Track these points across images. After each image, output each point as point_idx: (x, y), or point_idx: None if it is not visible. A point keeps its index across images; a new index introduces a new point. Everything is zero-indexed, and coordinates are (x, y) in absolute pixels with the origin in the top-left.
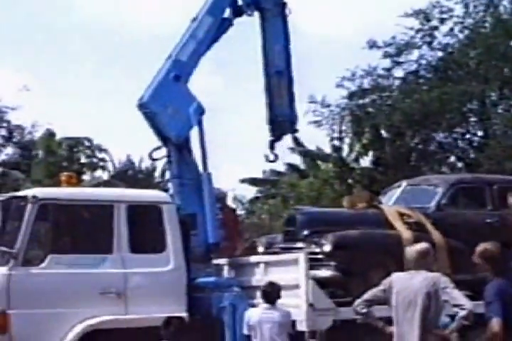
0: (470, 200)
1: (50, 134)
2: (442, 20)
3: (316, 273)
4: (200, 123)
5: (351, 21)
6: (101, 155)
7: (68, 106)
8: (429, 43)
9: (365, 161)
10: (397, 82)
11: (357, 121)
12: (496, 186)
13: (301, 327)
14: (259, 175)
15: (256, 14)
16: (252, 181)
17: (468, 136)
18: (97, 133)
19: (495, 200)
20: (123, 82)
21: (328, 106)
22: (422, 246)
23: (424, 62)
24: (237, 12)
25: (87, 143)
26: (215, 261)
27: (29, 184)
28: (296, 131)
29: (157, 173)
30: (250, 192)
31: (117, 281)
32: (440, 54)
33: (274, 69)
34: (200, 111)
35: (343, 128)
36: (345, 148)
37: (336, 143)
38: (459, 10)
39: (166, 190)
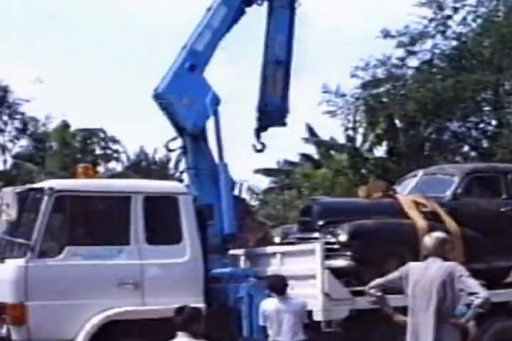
0: (485, 189)
1: (64, 126)
2: (455, 9)
3: (331, 263)
4: (215, 114)
5: (364, 11)
6: (115, 147)
7: (81, 97)
8: (443, 32)
9: (379, 151)
10: (411, 72)
11: (371, 111)
12: (511, 175)
13: (318, 317)
14: (273, 166)
15: (265, 4)
16: (266, 172)
17: (482, 125)
18: (110, 124)
19: (510, 189)
20: (137, 72)
21: (343, 96)
22: (439, 234)
23: (437, 51)
24: (248, 1)
25: (101, 135)
26: (232, 252)
27: (43, 176)
28: (284, 124)
29: (171, 164)
30: (264, 182)
31: (134, 272)
32: (454, 43)
33: (273, 58)
34: (216, 101)
35: (357, 118)
36: (359, 138)
37: (350, 133)
38: None
39: (180, 181)
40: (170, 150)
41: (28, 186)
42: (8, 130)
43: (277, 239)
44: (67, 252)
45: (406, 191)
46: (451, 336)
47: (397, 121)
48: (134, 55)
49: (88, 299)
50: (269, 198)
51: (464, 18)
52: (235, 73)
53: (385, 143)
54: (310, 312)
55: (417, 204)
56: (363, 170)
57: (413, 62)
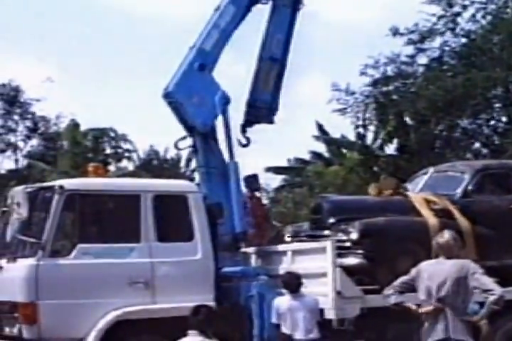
0: (496, 186)
1: (74, 125)
2: (465, 7)
3: (343, 261)
4: (225, 112)
5: (373, 8)
6: (126, 146)
7: (92, 96)
8: (452, 30)
9: (390, 149)
10: (420, 69)
11: (381, 109)
12: None
13: (329, 315)
14: (284, 164)
15: (270, 2)
16: (277, 170)
17: (492, 122)
18: (121, 123)
19: None
20: (147, 71)
21: (353, 93)
22: (451, 233)
23: (447, 48)
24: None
25: (111, 134)
26: (243, 250)
27: (55, 175)
28: (272, 122)
29: (182, 163)
30: (275, 180)
31: (145, 271)
32: (463, 40)
33: (268, 54)
34: (226, 100)
35: (367, 115)
36: (370, 136)
37: (361, 130)
38: None
39: (191, 180)
40: (179, 149)
41: (39, 185)
42: (20, 129)
43: (288, 237)
44: (77, 251)
45: (417, 189)
46: (464, 333)
47: (407, 119)
48: (145, 53)
49: (99, 298)
50: (280, 196)
51: (473, 15)
52: (247, 72)
53: (395, 140)
54: (322, 310)
55: (428, 201)
56: (375, 168)
57: (423, 59)
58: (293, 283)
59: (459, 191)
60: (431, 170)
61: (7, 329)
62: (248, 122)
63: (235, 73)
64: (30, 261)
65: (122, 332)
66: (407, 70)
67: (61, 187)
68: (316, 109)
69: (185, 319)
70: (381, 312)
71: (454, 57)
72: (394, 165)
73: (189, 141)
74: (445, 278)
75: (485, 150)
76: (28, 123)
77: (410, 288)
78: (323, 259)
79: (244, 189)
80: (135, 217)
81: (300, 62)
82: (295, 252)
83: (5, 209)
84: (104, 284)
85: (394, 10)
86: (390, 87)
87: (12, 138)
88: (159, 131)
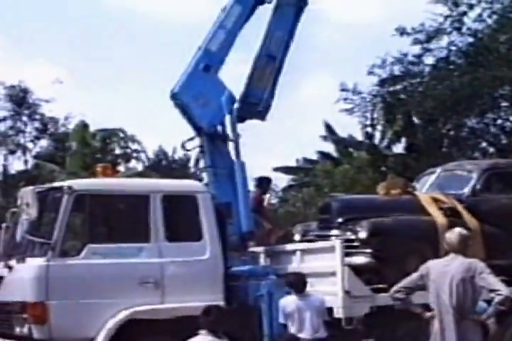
0: (504, 185)
1: (83, 126)
2: (471, 6)
3: (351, 260)
4: (231, 113)
5: (380, 8)
6: (134, 146)
7: (100, 97)
8: (459, 29)
9: (398, 148)
10: (427, 69)
11: (388, 108)
12: None
13: (338, 314)
14: (292, 164)
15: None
16: (286, 170)
17: (499, 121)
18: (129, 124)
19: None
20: (155, 72)
21: (360, 93)
22: (462, 231)
23: (454, 48)
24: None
25: (120, 134)
26: (252, 249)
27: (64, 176)
28: (263, 119)
29: (191, 163)
30: (283, 180)
31: (154, 271)
32: (470, 40)
33: (266, 51)
34: (232, 100)
35: (375, 115)
36: (378, 135)
37: (369, 130)
38: None
39: (200, 180)
40: (187, 150)
41: (48, 186)
42: (29, 130)
43: (297, 237)
44: (87, 251)
45: (425, 188)
46: (472, 332)
47: (414, 118)
48: (154, 54)
49: (109, 298)
50: (288, 196)
51: (480, 15)
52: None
53: (403, 139)
54: (330, 310)
55: (436, 200)
56: (383, 167)
57: (430, 59)
58: (298, 283)
59: (467, 190)
60: (438, 169)
61: (17, 330)
62: (239, 118)
63: (241, 73)
64: (40, 261)
65: (132, 332)
66: (414, 70)
67: (70, 187)
68: (323, 109)
69: (195, 318)
70: (390, 311)
71: (461, 57)
72: (402, 164)
73: (197, 142)
74: (451, 279)
75: (492, 149)
76: (37, 124)
77: (419, 287)
78: (332, 258)
79: (253, 189)
80: (144, 217)
81: (308, 62)
82: (304, 251)
83: (15, 209)
84: (114, 284)
85: (401, 10)
86: (398, 87)
87: (21, 139)
88: (168, 132)
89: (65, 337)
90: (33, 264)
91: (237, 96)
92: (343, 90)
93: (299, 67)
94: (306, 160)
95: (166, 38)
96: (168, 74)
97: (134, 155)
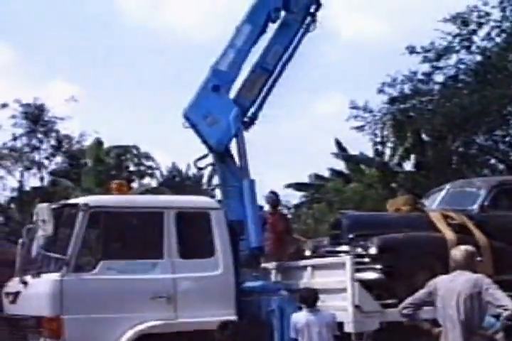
0: None
1: (98, 143)
2: (480, 25)
3: (362, 276)
4: (239, 131)
5: (390, 27)
6: (148, 163)
7: (114, 114)
8: (468, 47)
9: (408, 165)
10: (437, 87)
11: (398, 126)
12: None
13: (348, 329)
14: (304, 180)
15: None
16: (297, 186)
17: (508, 138)
18: (143, 140)
19: None
20: (170, 89)
21: (371, 111)
22: (468, 248)
23: (463, 66)
24: (275, 17)
25: (134, 151)
26: (263, 265)
27: (79, 192)
28: (246, 129)
29: (204, 180)
30: (295, 197)
31: (167, 286)
32: (479, 58)
33: (260, 64)
34: (240, 118)
35: (385, 132)
36: (388, 152)
37: (379, 147)
38: (496, 14)
39: (213, 196)
40: (200, 168)
41: (63, 202)
42: (44, 147)
43: (308, 253)
44: (101, 266)
45: (434, 204)
46: None
47: (424, 136)
48: (169, 71)
49: (122, 313)
50: (300, 212)
51: (488, 33)
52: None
53: (413, 157)
54: (341, 324)
55: (445, 217)
56: (393, 184)
57: (439, 77)
58: (310, 298)
59: (476, 206)
60: (447, 186)
61: None
62: None
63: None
64: (55, 277)
65: None
66: (424, 88)
67: (85, 204)
68: (335, 126)
69: (207, 333)
70: (400, 327)
71: (470, 75)
72: (412, 181)
73: (210, 159)
74: (458, 295)
75: (502, 166)
76: (53, 141)
77: (427, 302)
78: (342, 274)
79: (265, 205)
80: (158, 234)
81: (320, 80)
82: (315, 267)
83: (31, 225)
84: (128, 299)
85: (411, 28)
86: (407, 105)
87: (37, 156)
88: (182, 148)
89: None
90: (48, 279)
91: None
92: (353, 108)
93: (312, 85)
94: (317, 176)
95: (182, 55)
96: (183, 91)
97: (148, 171)
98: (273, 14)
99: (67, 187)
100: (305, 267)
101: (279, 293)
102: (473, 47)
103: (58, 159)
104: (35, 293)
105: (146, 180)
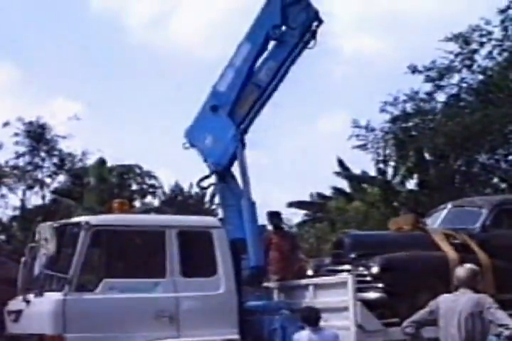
0: None
1: (100, 162)
2: (481, 44)
3: (364, 295)
4: (238, 151)
5: (392, 46)
6: (151, 182)
7: (118, 133)
8: (469, 67)
9: (410, 184)
10: (439, 106)
11: (401, 145)
12: None
13: None
14: (306, 199)
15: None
16: (299, 205)
17: (510, 157)
18: (146, 159)
19: None
20: (173, 108)
21: (373, 130)
22: (471, 266)
23: (464, 85)
24: (275, 35)
25: (137, 170)
26: (265, 284)
27: (81, 211)
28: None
29: (207, 198)
30: (297, 216)
31: (170, 305)
32: (480, 77)
33: (253, 80)
34: (239, 138)
35: (388, 151)
36: (390, 171)
37: (381, 166)
38: (497, 33)
39: (215, 215)
40: (202, 188)
41: (65, 221)
42: (46, 166)
43: (310, 272)
44: (103, 285)
45: (436, 223)
46: None
47: (426, 154)
48: (171, 90)
49: (124, 331)
50: (302, 231)
51: (490, 52)
52: (270, 109)
53: (415, 175)
54: None
55: (447, 236)
56: (395, 203)
57: (441, 96)
58: (312, 317)
59: (478, 225)
60: (449, 205)
61: None
62: None
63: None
64: (57, 296)
65: None
66: (426, 107)
67: (87, 223)
68: (337, 145)
69: None
70: None
71: (472, 94)
72: (414, 200)
73: (213, 179)
74: (460, 314)
75: (504, 185)
76: (55, 159)
77: (430, 321)
78: (344, 293)
79: (268, 224)
80: (160, 253)
81: (322, 99)
82: (317, 286)
83: (33, 244)
84: (130, 318)
85: (413, 47)
86: (410, 124)
87: (39, 174)
88: (184, 167)
89: None
90: (51, 298)
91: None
92: (355, 127)
93: (314, 103)
94: (319, 195)
95: (185, 73)
96: (187, 110)
97: (151, 190)
98: (271, 32)
99: (69, 205)
100: (307, 286)
101: (281, 312)
102: (475, 66)
103: (61, 177)
104: (38, 311)
105: (148, 199)
